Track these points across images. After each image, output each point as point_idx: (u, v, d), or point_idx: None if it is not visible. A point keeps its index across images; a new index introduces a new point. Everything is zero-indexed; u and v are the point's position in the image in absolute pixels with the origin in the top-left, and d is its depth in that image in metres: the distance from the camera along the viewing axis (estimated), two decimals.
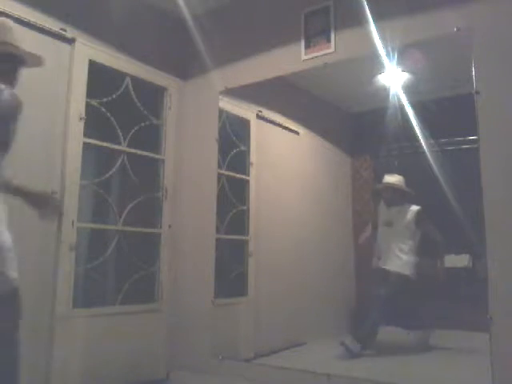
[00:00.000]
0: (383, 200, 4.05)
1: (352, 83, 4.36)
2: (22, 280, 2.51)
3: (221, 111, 3.56)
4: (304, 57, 3.10)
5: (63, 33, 2.81)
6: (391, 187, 3.94)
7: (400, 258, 3.70)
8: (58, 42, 2.81)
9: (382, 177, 4.98)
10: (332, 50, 2.98)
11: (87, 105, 2.93)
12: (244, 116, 3.87)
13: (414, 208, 3.86)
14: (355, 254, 5.12)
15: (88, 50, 2.94)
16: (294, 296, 4.09)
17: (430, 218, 3.78)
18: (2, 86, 1.71)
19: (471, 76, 2.51)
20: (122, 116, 3.20)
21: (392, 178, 4.00)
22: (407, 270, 3.66)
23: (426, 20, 2.65)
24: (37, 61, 2.00)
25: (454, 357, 3.43)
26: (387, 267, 3.73)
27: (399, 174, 4.02)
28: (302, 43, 3.11)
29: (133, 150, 3.24)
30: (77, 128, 2.84)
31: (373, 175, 5.17)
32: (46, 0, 2.75)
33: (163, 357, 3.20)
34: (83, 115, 2.87)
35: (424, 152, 4.01)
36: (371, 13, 2.78)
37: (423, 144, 4.12)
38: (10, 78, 1.81)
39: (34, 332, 2.53)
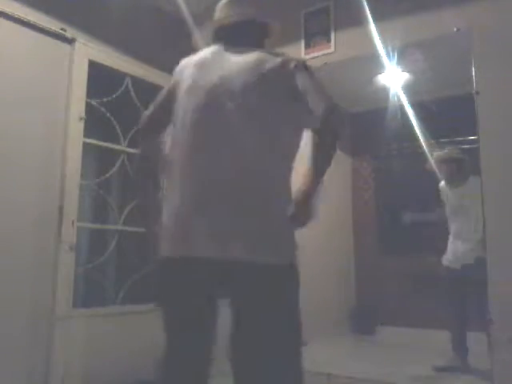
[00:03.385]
0: (445, 179, 3.44)
1: (352, 83, 4.36)
2: (23, 280, 2.52)
3: None
4: (304, 57, 3.10)
5: (63, 33, 2.81)
6: (455, 159, 3.31)
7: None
8: (58, 42, 2.81)
9: (382, 176, 5.01)
10: (332, 50, 2.99)
11: (87, 105, 2.93)
12: None
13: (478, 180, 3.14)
14: (355, 254, 5.13)
15: (88, 49, 2.94)
16: None
17: None
18: None
19: (471, 76, 2.51)
20: (121, 116, 3.21)
21: (446, 153, 3.33)
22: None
23: (425, 20, 2.65)
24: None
25: None
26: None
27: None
28: (302, 43, 3.11)
29: (133, 150, 3.24)
30: (77, 128, 2.84)
31: (373, 175, 5.18)
32: (45, 0, 2.75)
33: None
34: (83, 115, 2.87)
35: (424, 152, 4.00)
36: (371, 13, 2.78)
37: (423, 144, 4.13)
38: None
39: (33, 332, 2.53)
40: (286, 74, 1.40)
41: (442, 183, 3.49)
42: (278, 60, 1.42)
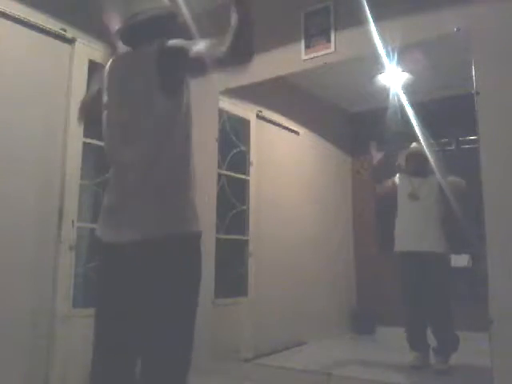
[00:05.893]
0: (407, 169, 3.72)
1: (352, 83, 4.36)
2: (22, 280, 2.52)
3: (221, 111, 3.55)
4: (304, 57, 3.10)
5: (63, 33, 2.81)
6: (419, 155, 3.63)
7: (432, 235, 3.33)
8: (58, 42, 2.81)
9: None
10: (332, 49, 2.99)
11: None
12: (244, 116, 3.87)
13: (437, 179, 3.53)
14: (355, 254, 5.12)
15: (88, 49, 2.94)
16: (294, 296, 4.09)
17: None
18: None
19: (471, 76, 2.51)
20: None
21: (419, 146, 3.68)
22: (441, 248, 3.31)
23: (425, 20, 2.65)
24: None
25: None
26: (418, 248, 3.31)
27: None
28: (302, 43, 3.10)
29: None
30: (77, 128, 2.84)
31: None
32: (45, 0, 2.75)
33: None
34: None
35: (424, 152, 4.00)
36: (371, 13, 2.78)
37: (423, 144, 4.13)
38: None
39: (33, 331, 2.53)
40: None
41: (398, 175, 3.75)
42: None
